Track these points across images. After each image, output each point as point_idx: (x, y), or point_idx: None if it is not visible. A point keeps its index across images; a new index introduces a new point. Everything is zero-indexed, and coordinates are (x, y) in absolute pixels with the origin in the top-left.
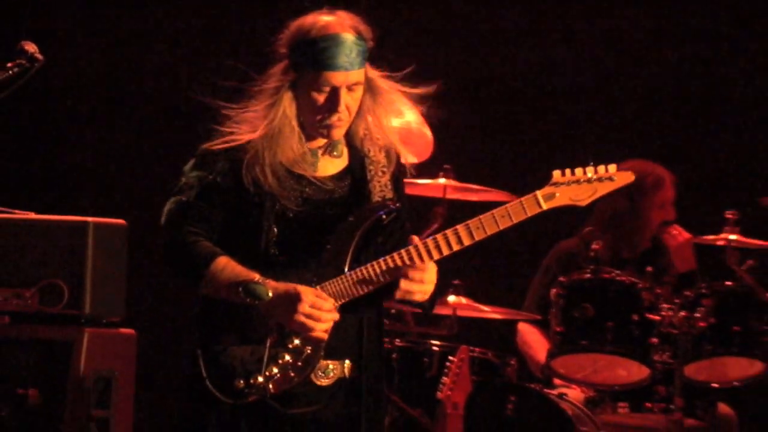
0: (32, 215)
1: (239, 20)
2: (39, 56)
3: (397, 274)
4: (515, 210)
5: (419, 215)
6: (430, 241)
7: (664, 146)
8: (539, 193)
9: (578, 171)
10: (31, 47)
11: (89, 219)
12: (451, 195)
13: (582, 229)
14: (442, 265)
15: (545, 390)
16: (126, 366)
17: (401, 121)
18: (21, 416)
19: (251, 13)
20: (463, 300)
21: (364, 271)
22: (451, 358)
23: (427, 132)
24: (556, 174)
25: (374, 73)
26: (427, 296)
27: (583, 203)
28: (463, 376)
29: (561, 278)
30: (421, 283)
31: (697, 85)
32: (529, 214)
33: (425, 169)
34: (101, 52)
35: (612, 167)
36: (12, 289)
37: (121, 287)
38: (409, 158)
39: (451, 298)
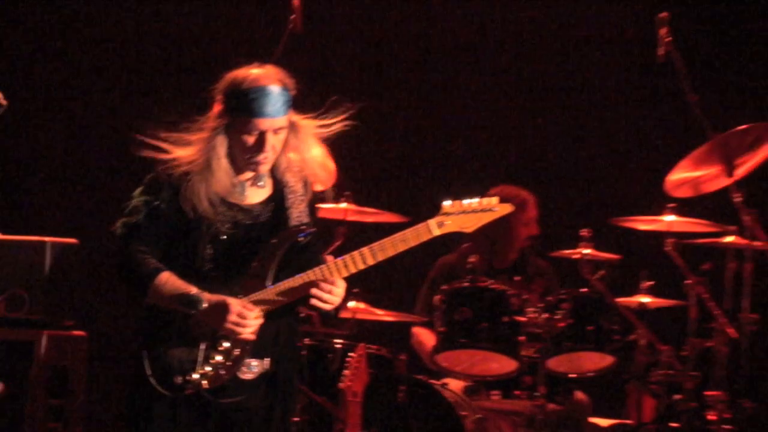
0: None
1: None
2: (3, 102)
3: (311, 287)
4: (410, 236)
5: (324, 235)
6: (340, 261)
7: (530, 172)
8: (431, 222)
9: (465, 202)
10: None
11: (47, 239)
12: (351, 217)
13: (460, 245)
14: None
15: (430, 380)
16: (78, 362)
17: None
18: None
19: (195, 45)
20: (362, 305)
21: (284, 285)
22: (351, 354)
23: (330, 163)
24: (446, 205)
25: (296, 117)
26: (333, 307)
27: (469, 230)
28: (361, 369)
29: (444, 287)
30: (330, 295)
31: (556, 121)
32: (423, 240)
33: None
34: (57, 75)
35: (494, 199)
36: None
37: (74, 296)
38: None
39: (352, 304)
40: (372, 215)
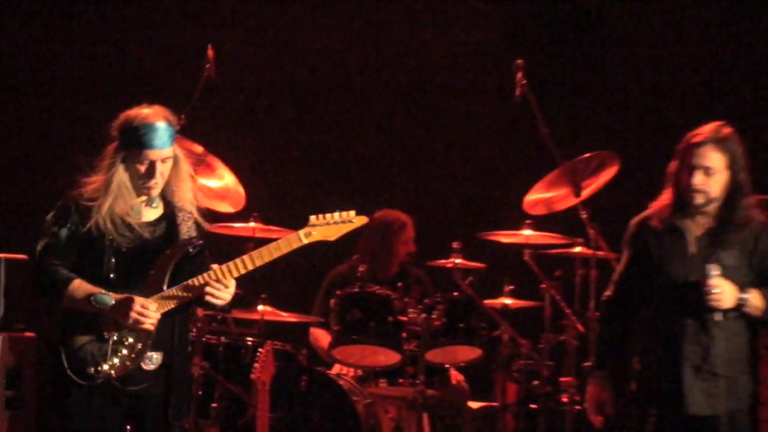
0: None
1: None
2: None
3: (200, 291)
4: (284, 244)
5: (235, 249)
6: (224, 266)
7: (412, 194)
8: (300, 232)
9: (328, 215)
10: None
11: (1, 255)
12: (259, 234)
13: (351, 258)
14: (254, 282)
15: (327, 371)
16: (29, 359)
17: (222, 182)
18: None
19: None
20: (269, 308)
21: (176, 290)
22: (260, 349)
23: (241, 190)
24: (312, 218)
25: (179, 150)
26: (225, 303)
27: (332, 239)
28: (269, 362)
29: (338, 292)
30: (219, 292)
31: (434, 152)
32: (294, 247)
33: (240, 216)
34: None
35: (352, 213)
36: None
37: (24, 303)
38: (227, 208)
39: (260, 308)
40: (277, 233)
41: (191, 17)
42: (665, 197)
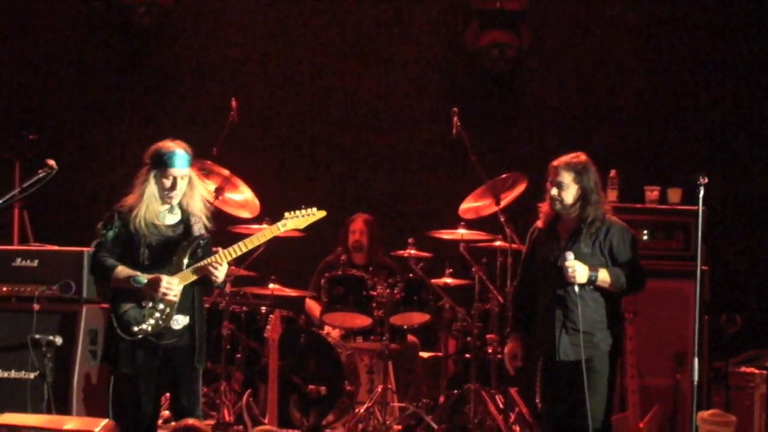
0: (55, 247)
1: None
2: (55, 167)
3: (207, 269)
4: (267, 232)
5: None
6: (222, 251)
7: (377, 203)
8: (278, 224)
9: (297, 211)
10: (50, 162)
11: (83, 249)
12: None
13: (335, 250)
14: (268, 265)
15: (320, 331)
16: (105, 324)
17: (243, 196)
18: (54, 350)
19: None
20: (277, 286)
21: (192, 269)
22: (271, 316)
23: (256, 201)
24: (286, 213)
25: (193, 172)
26: (219, 281)
27: (301, 227)
28: (277, 324)
29: (326, 274)
30: (217, 271)
31: (396, 174)
32: (274, 234)
33: (256, 220)
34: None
35: (314, 209)
36: (46, 285)
37: (100, 284)
38: (246, 214)
39: (271, 285)
40: (283, 233)
41: (220, 71)
42: (545, 206)
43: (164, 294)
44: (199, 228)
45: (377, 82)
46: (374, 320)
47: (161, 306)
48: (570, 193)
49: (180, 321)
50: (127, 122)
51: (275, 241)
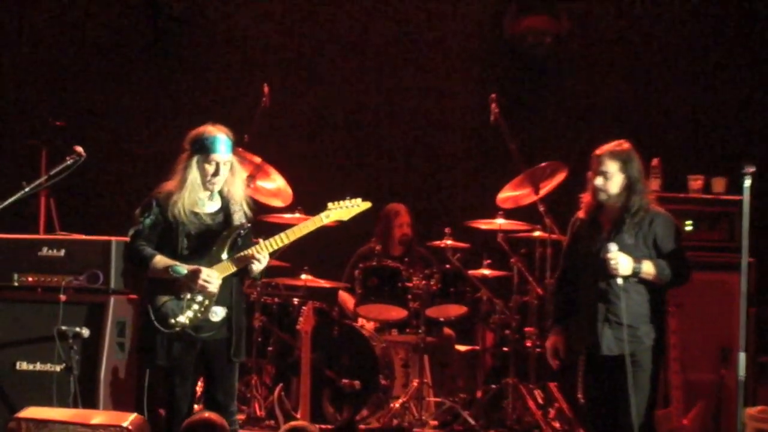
0: (82, 236)
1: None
2: (83, 154)
3: (248, 260)
4: (309, 223)
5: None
6: (263, 242)
7: (415, 192)
8: (321, 215)
9: (341, 202)
10: (78, 149)
11: (112, 238)
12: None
13: (370, 240)
14: (300, 255)
15: (353, 323)
16: (133, 315)
17: (275, 184)
18: (81, 342)
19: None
20: (310, 277)
21: (232, 260)
22: (303, 308)
23: (289, 190)
24: (330, 204)
25: (235, 159)
26: (259, 271)
27: (345, 218)
28: (310, 316)
29: (361, 265)
30: (258, 263)
31: (435, 163)
32: (317, 225)
33: (288, 209)
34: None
35: (359, 199)
36: (73, 275)
37: (129, 274)
38: (278, 203)
39: (304, 276)
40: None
41: (251, 56)
42: (587, 196)
43: (203, 286)
44: (239, 217)
45: (413, 68)
46: (410, 312)
47: (200, 298)
48: (615, 182)
49: (219, 313)
50: (157, 108)
51: (305, 236)
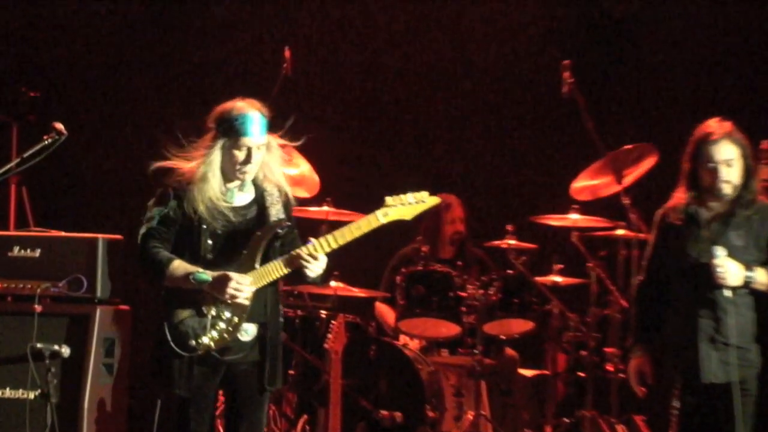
0: (62, 233)
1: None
2: (64, 132)
3: (295, 265)
4: (363, 224)
5: (311, 231)
6: (318, 242)
7: (469, 181)
8: (378, 213)
9: (403, 196)
10: (58, 126)
11: (99, 236)
12: (332, 218)
13: (414, 239)
14: (329, 258)
15: (394, 342)
16: (124, 331)
17: (298, 170)
18: (60, 364)
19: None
20: (341, 284)
21: (271, 265)
22: (333, 322)
23: (315, 177)
24: (388, 199)
25: (270, 137)
26: (316, 275)
27: (407, 218)
28: (340, 333)
29: (403, 269)
30: (312, 265)
31: (492, 143)
32: (373, 227)
33: (314, 201)
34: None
35: (425, 193)
36: (50, 281)
37: (120, 279)
38: (302, 194)
39: (333, 283)
40: (348, 216)
41: (270, 19)
42: (680, 192)
43: (233, 296)
44: (276, 211)
45: (467, 29)
46: (463, 328)
47: (227, 314)
48: (737, 171)
49: (250, 331)
50: (155, 79)
51: (332, 229)
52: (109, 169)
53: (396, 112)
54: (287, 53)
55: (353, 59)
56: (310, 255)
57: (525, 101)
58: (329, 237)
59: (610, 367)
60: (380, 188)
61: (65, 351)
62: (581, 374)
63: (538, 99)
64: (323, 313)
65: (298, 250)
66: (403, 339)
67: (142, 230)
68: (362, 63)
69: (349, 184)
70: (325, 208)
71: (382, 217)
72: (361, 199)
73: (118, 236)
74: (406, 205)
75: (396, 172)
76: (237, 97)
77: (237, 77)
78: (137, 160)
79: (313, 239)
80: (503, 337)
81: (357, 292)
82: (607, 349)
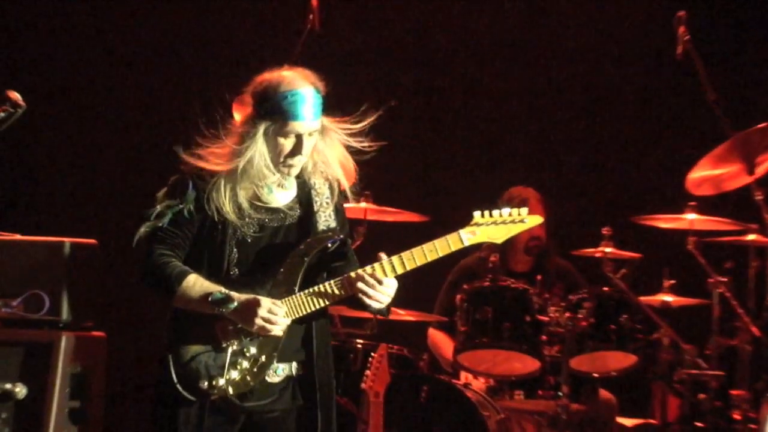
0: (17, 236)
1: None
2: (22, 103)
3: (353, 289)
4: (442, 245)
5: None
6: (387, 261)
7: (550, 172)
8: (462, 232)
9: (496, 213)
10: (13, 95)
11: (66, 239)
12: (371, 216)
13: (480, 246)
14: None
15: (453, 380)
16: (97, 364)
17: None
18: (13, 407)
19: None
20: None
21: (318, 288)
22: (372, 354)
23: (351, 164)
24: (477, 215)
25: (325, 119)
26: (381, 305)
27: (499, 241)
28: (382, 369)
29: (465, 286)
30: (373, 291)
31: (576, 121)
32: (453, 249)
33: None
34: (75, 76)
35: (524, 210)
36: (1, 299)
37: (93, 297)
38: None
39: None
40: (392, 214)
41: None
42: None
43: (262, 328)
44: (326, 217)
45: None
46: (544, 364)
47: (253, 350)
48: None
49: (280, 372)
50: (142, 39)
51: (375, 236)
52: (85, 155)
53: (454, 85)
54: (314, 2)
55: (403, 13)
56: (374, 278)
57: (623, 67)
58: (398, 258)
59: (737, 415)
60: (433, 178)
61: (20, 391)
62: (699, 424)
63: (641, 64)
64: (359, 342)
65: (359, 271)
66: (464, 377)
67: (145, 229)
68: (414, 19)
69: (393, 173)
70: (363, 204)
71: (467, 238)
72: (410, 193)
73: (91, 240)
74: (499, 225)
75: (455, 162)
76: (250, 59)
77: (252, 33)
78: (129, 149)
79: (384, 255)
80: (596, 375)
81: (404, 315)
82: (733, 392)
